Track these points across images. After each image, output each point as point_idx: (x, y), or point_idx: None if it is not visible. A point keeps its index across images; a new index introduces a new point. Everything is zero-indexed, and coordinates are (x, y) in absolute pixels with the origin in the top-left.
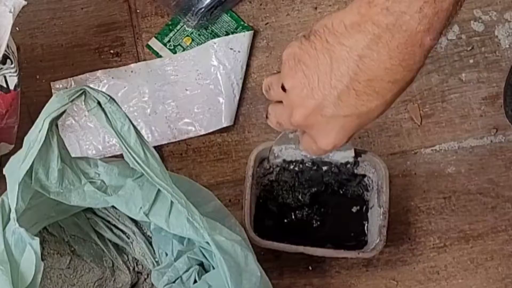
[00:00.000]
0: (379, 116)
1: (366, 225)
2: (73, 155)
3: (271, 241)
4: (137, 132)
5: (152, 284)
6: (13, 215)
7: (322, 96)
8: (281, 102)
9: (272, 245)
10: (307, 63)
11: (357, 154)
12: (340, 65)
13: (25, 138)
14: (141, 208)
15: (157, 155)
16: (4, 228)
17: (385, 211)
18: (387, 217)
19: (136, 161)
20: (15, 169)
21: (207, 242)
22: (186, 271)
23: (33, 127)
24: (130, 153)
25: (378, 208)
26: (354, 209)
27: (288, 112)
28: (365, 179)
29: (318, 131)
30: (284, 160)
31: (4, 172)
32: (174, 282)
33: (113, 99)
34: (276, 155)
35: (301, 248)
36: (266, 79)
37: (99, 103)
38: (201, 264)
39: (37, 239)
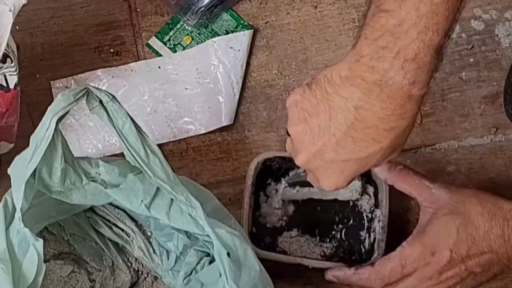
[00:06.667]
0: (380, 162)
1: (364, 237)
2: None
3: (269, 251)
4: (139, 130)
5: (152, 283)
6: (18, 214)
7: (322, 142)
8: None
9: (270, 256)
10: (309, 110)
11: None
12: (338, 114)
13: (31, 138)
14: (142, 201)
15: (159, 152)
16: (7, 228)
17: (384, 225)
18: (386, 231)
19: (136, 160)
20: (21, 168)
21: (208, 236)
22: (198, 263)
23: (39, 126)
24: (130, 151)
25: (377, 222)
26: (352, 222)
27: (294, 154)
28: (365, 194)
29: (320, 174)
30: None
31: (8, 172)
32: (190, 274)
33: (115, 98)
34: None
35: (298, 259)
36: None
37: (101, 102)
38: (209, 255)
39: (41, 241)
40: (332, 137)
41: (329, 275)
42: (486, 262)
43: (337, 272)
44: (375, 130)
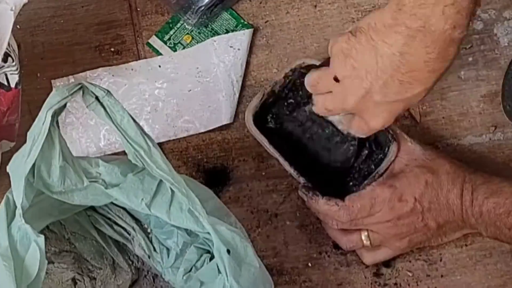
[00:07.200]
0: (422, 98)
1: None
2: (74, 153)
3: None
4: (137, 123)
5: (153, 280)
6: (19, 211)
7: (370, 84)
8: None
9: (257, 134)
10: (355, 57)
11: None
12: (384, 59)
13: (29, 133)
14: (142, 199)
15: (157, 146)
16: (9, 225)
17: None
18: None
19: (138, 152)
20: (20, 165)
21: (208, 233)
22: (198, 260)
23: (35, 121)
24: (131, 144)
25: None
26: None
27: (341, 98)
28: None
29: (369, 114)
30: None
31: (8, 170)
32: (190, 271)
33: (110, 93)
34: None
35: (277, 154)
36: (312, 76)
37: (97, 98)
38: (209, 252)
39: (42, 237)
40: (380, 80)
41: (300, 191)
42: (442, 219)
43: (309, 196)
44: (420, 73)
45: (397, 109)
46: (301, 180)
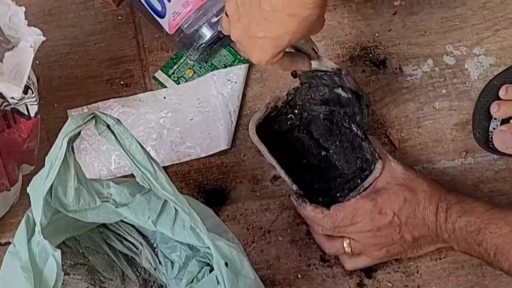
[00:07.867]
0: (293, 42)
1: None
2: (87, 175)
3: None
4: (144, 149)
5: None
6: (38, 228)
7: (246, 21)
8: None
9: (258, 143)
10: None
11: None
12: None
13: (47, 158)
14: (149, 217)
15: (162, 169)
16: (29, 240)
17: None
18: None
19: (145, 175)
20: (39, 186)
21: (208, 247)
22: (199, 272)
23: (53, 147)
24: (139, 168)
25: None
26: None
27: (229, 31)
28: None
29: (248, 49)
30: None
31: (28, 191)
32: (192, 282)
33: (120, 121)
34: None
35: (274, 163)
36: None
37: (108, 126)
38: (209, 265)
39: (59, 251)
40: (252, 17)
41: (292, 197)
42: (417, 233)
43: (298, 204)
44: (280, 14)
45: (268, 46)
46: (294, 187)
